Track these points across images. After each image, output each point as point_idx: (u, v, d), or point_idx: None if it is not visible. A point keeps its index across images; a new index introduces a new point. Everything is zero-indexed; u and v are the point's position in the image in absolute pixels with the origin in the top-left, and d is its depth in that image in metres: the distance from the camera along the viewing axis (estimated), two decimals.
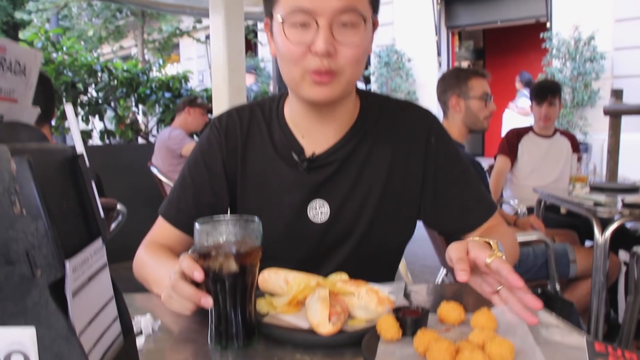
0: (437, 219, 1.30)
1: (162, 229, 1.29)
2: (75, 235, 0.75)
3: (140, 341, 0.95)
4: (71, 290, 0.62)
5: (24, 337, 0.57)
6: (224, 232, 0.91)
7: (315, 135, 1.25)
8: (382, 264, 1.33)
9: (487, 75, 2.68)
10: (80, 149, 0.83)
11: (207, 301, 0.91)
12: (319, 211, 1.24)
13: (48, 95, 2.06)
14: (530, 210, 3.41)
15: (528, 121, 5.00)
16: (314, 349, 0.93)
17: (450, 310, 0.98)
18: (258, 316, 0.98)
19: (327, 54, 1.06)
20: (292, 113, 1.26)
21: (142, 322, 1.00)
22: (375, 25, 1.16)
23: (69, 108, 0.86)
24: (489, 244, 0.99)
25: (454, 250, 0.96)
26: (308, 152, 1.24)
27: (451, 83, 2.65)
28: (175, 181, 1.31)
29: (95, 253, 0.77)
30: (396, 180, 1.26)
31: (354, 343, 0.93)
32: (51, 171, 0.74)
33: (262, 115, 1.29)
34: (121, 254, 3.17)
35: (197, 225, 0.92)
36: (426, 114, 1.31)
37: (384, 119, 1.28)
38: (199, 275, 0.90)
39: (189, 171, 1.30)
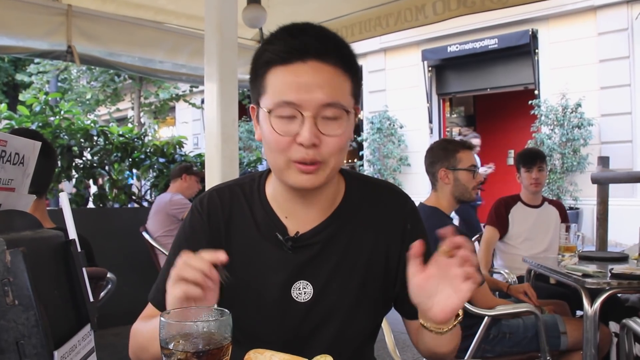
0: (402, 303, 1.31)
1: (152, 315, 1.29)
2: (65, 321, 0.76)
3: None
4: None
5: None
6: (188, 326, 0.83)
7: (298, 216, 1.27)
8: (363, 346, 1.33)
9: (474, 147, 2.74)
10: (72, 234, 0.86)
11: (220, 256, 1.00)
12: (302, 291, 1.25)
13: (50, 170, 2.10)
14: (520, 280, 3.42)
15: None
16: None
17: None
18: None
19: (312, 145, 1.10)
20: (275, 194, 1.28)
21: None
22: (356, 113, 1.21)
23: (63, 197, 0.89)
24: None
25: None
26: (291, 231, 1.26)
27: (439, 155, 2.70)
28: (162, 267, 1.32)
29: (84, 339, 0.79)
30: (377, 264, 1.28)
31: None
32: (44, 258, 0.76)
33: (242, 195, 1.31)
34: (109, 320, 3.15)
35: (161, 319, 0.83)
36: (405, 198, 1.35)
37: (367, 202, 1.31)
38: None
39: (174, 256, 1.31)
